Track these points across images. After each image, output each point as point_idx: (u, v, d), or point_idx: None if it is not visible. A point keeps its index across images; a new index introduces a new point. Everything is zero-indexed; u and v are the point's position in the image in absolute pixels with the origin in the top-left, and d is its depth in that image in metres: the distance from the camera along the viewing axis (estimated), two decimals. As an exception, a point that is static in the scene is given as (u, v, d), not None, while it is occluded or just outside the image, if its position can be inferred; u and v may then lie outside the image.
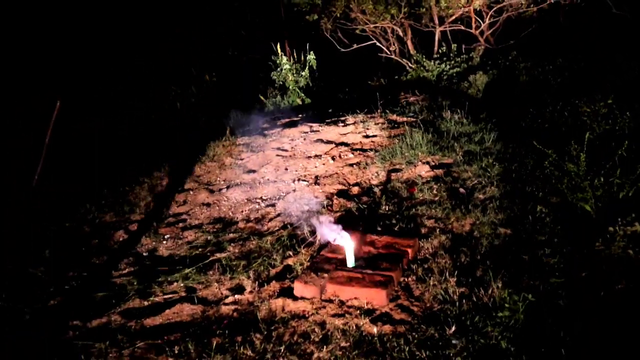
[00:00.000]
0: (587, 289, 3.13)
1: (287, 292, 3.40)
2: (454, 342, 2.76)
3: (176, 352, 3.01)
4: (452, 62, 9.24)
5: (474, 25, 9.79)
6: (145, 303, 3.66)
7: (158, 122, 7.97)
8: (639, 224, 3.50)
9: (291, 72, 8.33)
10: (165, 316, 3.47)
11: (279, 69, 8.41)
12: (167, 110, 8.40)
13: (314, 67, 8.66)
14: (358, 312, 3.07)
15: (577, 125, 5.73)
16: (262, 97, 8.36)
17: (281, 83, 8.47)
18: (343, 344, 2.84)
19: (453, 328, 2.83)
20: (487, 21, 9.72)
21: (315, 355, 2.80)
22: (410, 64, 9.85)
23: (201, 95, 8.82)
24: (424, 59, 9.41)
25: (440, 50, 9.74)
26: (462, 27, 9.97)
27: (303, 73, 8.39)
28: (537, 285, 3.17)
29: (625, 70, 7.40)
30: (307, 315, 3.13)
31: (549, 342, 2.73)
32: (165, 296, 3.71)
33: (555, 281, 3.19)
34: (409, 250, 3.56)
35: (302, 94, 8.23)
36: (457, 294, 3.12)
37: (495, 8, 9.57)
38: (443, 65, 8.97)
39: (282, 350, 2.85)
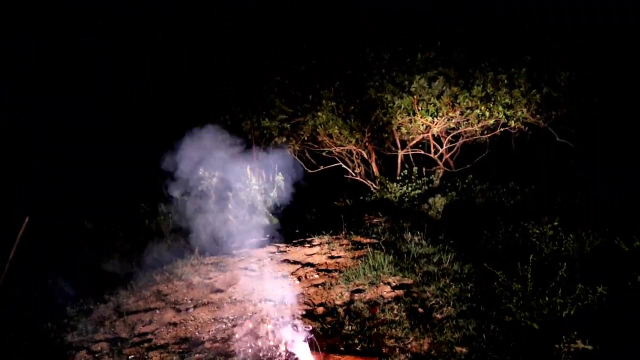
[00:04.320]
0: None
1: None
2: None
3: None
4: (414, 184, 9.97)
5: (432, 150, 10.68)
6: None
7: (126, 239, 8.18)
8: (580, 342, 3.85)
9: (260, 192, 8.82)
10: None
11: (247, 189, 8.90)
12: (135, 226, 8.66)
13: (282, 188, 9.20)
14: None
15: (527, 246, 6.25)
16: (230, 217, 8.73)
17: (250, 203, 8.91)
18: None
19: None
20: (445, 146, 10.64)
21: None
22: (374, 185, 10.54)
23: (170, 213, 9.15)
24: (387, 182, 10.13)
25: (402, 173, 10.51)
26: (422, 152, 10.86)
27: (272, 194, 8.89)
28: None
29: (566, 194, 8.21)
30: None
31: None
32: (129, 420, 3.77)
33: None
34: (370, 370, 3.79)
35: (270, 215, 8.66)
36: (415, 412, 3.32)
37: (452, 134, 10.55)
38: (405, 188, 9.66)
39: None
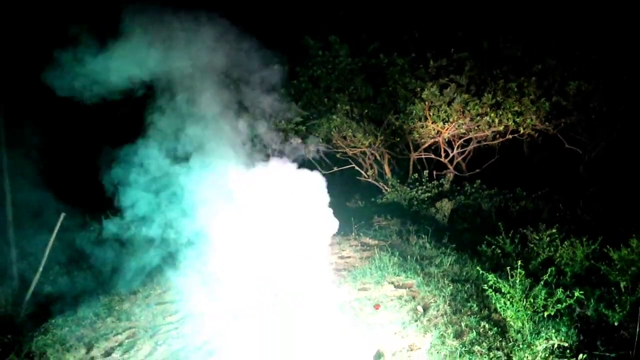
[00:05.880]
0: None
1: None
2: None
3: None
4: (424, 187, 10.52)
5: (443, 155, 11.23)
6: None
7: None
8: (556, 338, 4.45)
9: (276, 193, 9.47)
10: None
11: (265, 190, 9.55)
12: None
13: (297, 189, 9.83)
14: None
15: (525, 251, 6.81)
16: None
17: (267, 203, 9.56)
18: None
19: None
20: (456, 150, 11.17)
21: None
22: (386, 187, 11.12)
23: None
24: (398, 184, 10.70)
25: (413, 176, 11.05)
26: (433, 156, 11.42)
27: (287, 194, 9.53)
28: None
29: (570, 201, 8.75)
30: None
31: None
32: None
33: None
34: None
35: (286, 214, 9.30)
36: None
37: (463, 138, 11.04)
38: (414, 192, 10.24)
39: None
